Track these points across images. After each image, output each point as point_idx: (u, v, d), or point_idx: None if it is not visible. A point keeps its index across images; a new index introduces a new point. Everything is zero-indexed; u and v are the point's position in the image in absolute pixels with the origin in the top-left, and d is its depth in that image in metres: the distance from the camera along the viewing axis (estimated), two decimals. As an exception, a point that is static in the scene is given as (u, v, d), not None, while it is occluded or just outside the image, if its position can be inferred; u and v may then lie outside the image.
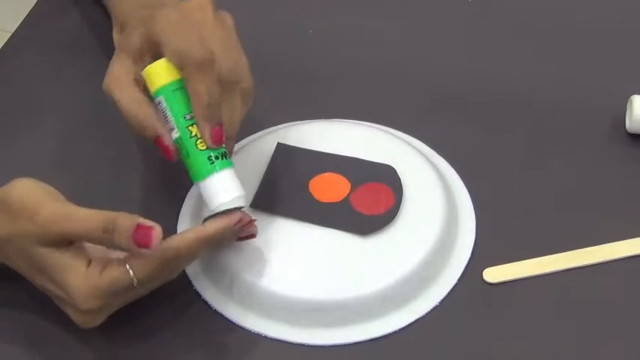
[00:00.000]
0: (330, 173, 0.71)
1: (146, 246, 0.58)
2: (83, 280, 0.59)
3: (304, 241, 0.68)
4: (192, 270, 0.69)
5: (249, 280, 0.66)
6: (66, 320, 0.64)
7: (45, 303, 0.64)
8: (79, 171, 0.75)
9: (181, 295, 0.68)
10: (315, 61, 0.83)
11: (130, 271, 0.60)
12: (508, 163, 0.76)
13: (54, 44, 0.84)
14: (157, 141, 0.62)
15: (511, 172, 0.75)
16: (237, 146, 0.74)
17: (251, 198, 0.70)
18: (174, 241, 0.61)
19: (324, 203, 0.70)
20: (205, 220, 0.63)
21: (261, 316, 0.67)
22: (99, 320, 0.62)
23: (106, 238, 0.59)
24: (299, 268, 0.67)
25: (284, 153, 0.73)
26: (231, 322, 0.67)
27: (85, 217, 0.59)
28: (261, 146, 0.74)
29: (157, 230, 0.59)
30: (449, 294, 0.68)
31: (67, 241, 0.60)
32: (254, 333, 0.67)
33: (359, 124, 0.77)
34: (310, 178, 0.71)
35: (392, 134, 0.75)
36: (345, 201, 0.70)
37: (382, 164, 0.72)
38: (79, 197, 0.63)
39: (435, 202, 0.70)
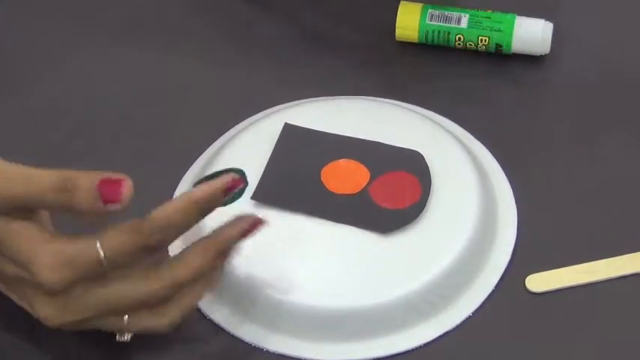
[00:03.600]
0: (345, 160, 0.71)
1: (114, 200, 0.57)
2: (46, 245, 0.58)
3: (314, 240, 0.67)
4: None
5: (246, 285, 0.66)
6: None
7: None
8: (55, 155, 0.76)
9: None
10: (328, 26, 0.82)
11: (97, 242, 0.58)
12: (557, 148, 0.75)
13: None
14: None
15: (560, 159, 0.74)
16: (235, 128, 0.75)
17: (252, 189, 0.69)
18: (151, 213, 0.59)
19: (338, 195, 0.69)
20: (195, 185, 0.61)
21: (261, 326, 0.66)
22: (68, 316, 0.60)
23: (65, 198, 0.58)
24: (308, 272, 0.66)
25: (292, 136, 0.72)
26: (226, 331, 0.66)
27: (39, 177, 0.58)
28: (265, 128, 0.73)
29: (127, 182, 0.58)
30: (484, 304, 0.67)
31: (23, 210, 0.59)
32: (251, 345, 0.66)
33: (380, 101, 0.76)
34: (323, 166, 0.70)
35: (419, 114, 0.75)
36: (364, 193, 0.69)
37: (407, 149, 0.71)
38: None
39: (470, 194, 0.69)
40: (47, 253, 0.58)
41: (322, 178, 0.69)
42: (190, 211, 0.59)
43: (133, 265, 0.60)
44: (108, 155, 0.74)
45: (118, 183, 0.57)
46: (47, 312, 0.60)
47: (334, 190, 0.69)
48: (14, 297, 0.63)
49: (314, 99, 0.76)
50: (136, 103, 0.77)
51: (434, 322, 0.66)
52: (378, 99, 0.77)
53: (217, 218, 0.64)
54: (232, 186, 0.60)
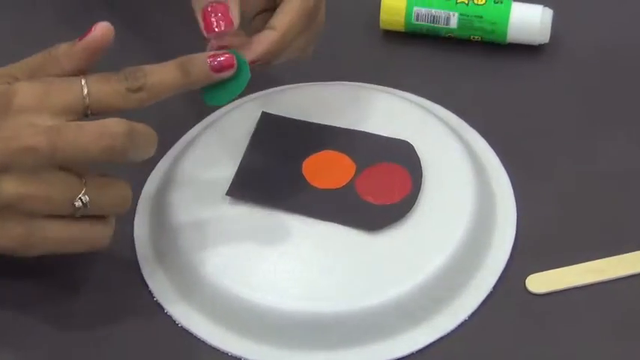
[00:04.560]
0: (329, 151, 0.71)
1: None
2: (32, 83, 0.63)
3: (295, 240, 0.67)
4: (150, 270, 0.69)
5: (220, 289, 0.66)
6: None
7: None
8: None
9: (137, 300, 0.68)
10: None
11: (83, 80, 0.63)
12: (558, 141, 0.75)
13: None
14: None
15: (562, 152, 0.75)
16: (208, 118, 0.75)
17: (227, 184, 0.69)
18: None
19: (322, 190, 0.69)
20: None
21: (241, 335, 0.66)
22: (39, 187, 0.61)
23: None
24: (288, 274, 0.66)
25: (270, 125, 0.72)
26: (202, 341, 0.66)
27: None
28: (241, 117, 0.73)
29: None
30: (481, 307, 0.67)
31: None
32: (231, 356, 0.65)
33: (366, 87, 0.76)
34: (304, 158, 0.70)
35: (409, 100, 0.75)
36: (349, 187, 0.69)
37: (396, 139, 0.71)
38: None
39: (465, 187, 0.69)
40: (30, 86, 0.61)
41: (304, 172, 0.69)
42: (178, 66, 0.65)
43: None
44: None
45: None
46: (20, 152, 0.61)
47: (317, 185, 0.69)
48: None
49: (294, 85, 0.76)
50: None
51: (426, 327, 0.65)
52: (364, 84, 0.77)
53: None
54: (221, 65, 0.65)
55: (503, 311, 0.66)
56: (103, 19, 0.67)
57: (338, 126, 0.71)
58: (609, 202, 0.72)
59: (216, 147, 0.70)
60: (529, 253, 0.69)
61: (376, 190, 0.68)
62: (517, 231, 0.70)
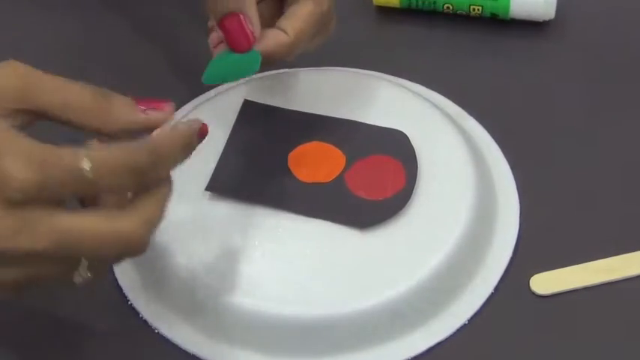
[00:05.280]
0: (317, 143, 0.70)
1: (158, 107, 0.60)
2: (20, 139, 0.56)
3: (281, 238, 0.66)
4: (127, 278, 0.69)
5: (201, 291, 0.65)
6: None
7: None
8: None
9: (115, 310, 0.68)
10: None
11: (83, 150, 0.57)
12: (564, 130, 0.75)
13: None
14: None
15: (569, 142, 0.74)
16: (189, 105, 0.76)
17: (207, 178, 0.68)
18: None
19: (309, 185, 0.68)
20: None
21: (225, 341, 0.65)
22: (20, 240, 0.56)
23: (102, 104, 0.59)
24: (274, 275, 0.65)
25: (253, 114, 0.72)
26: (182, 348, 0.65)
27: (76, 88, 0.60)
28: (222, 105, 0.72)
29: (171, 103, 0.60)
30: (482, 309, 0.66)
31: (33, 116, 0.60)
32: None
33: (357, 73, 0.76)
34: (290, 150, 0.69)
35: (403, 87, 0.74)
36: (339, 181, 0.68)
37: (390, 129, 0.70)
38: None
39: (464, 181, 0.69)
40: (21, 146, 0.56)
41: (290, 165, 0.69)
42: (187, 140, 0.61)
43: (110, 198, 0.60)
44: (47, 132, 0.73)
45: (159, 101, 0.60)
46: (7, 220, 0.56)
47: (304, 179, 0.68)
48: None
49: (278, 71, 0.76)
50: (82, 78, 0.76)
51: (423, 332, 0.65)
52: (354, 70, 0.77)
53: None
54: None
55: (506, 314, 0.66)
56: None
57: (326, 115, 0.71)
58: (620, 196, 0.71)
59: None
60: (533, 251, 0.68)
61: (368, 184, 0.68)
62: (520, 227, 0.69)
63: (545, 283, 0.67)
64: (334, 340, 0.64)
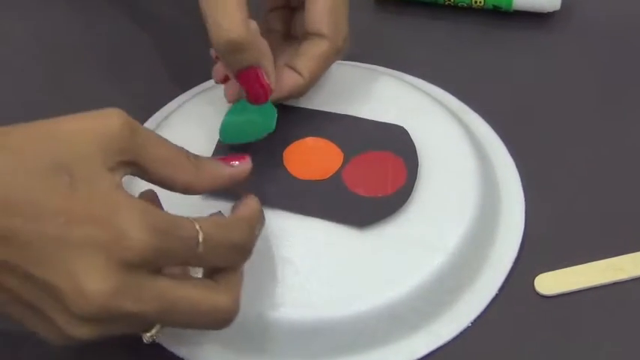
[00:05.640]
0: (313, 138, 0.70)
1: (241, 158, 0.62)
2: (141, 206, 0.57)
3: (276, 238, 0.66)
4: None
5: None
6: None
7: None
8: None
9: None
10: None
11: (196, 224, 0.58)
12: (571, 123, 0.74)
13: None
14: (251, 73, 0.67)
15: (575, 136, 0.74)
16: (179, 99, 0.76)
17: None
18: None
19: (305, 182, 0.67)
20: None
21: (218, 344, 0.64)
22: (122, 301, 0.56)
23: (193, 159, 0.61)
24: (269, 276, 0.64)
25: None
26: (171, 352, 0.64)
27: (169, 142, 0.61)
28: (214, 99, 0.71)
29: (248, 155, 0.62)
30: (485, 311, 0.65)
31: (128, 169, 0.61)
32: None
33: (355, 66, 0.75)
34: (285, 146, 0.69)
35: (403, 80, 0.74)
36: (336, 178, 0.67)
37: (389, 124, 0.70)
38: None
39: (466, 178, 0.68)
40: (138, 206, 0.56)
41: (285, 161, 0.68)
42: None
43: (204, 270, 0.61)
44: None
45: (241, 156, 0.62)
46: (97, 286, 0.56)
47: (299, 176, 0.67)
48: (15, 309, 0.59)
49: None
50: (69, 72, 0.77)
51: (425, 334, 0.64)
52: (353, 63, 0.76)
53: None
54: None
55: (510, 315, 0.65)
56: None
57: (323, 110, 0.70)
58: (628, 193, 0.71)
59: (188, 131, 0.68)
60: (538, 250, 0.68)
61: (366, 181, 0.67)
62: (525, 226, 0.69)
63: (550, 283, 0.66)
64: (333, 343, 0.63)
